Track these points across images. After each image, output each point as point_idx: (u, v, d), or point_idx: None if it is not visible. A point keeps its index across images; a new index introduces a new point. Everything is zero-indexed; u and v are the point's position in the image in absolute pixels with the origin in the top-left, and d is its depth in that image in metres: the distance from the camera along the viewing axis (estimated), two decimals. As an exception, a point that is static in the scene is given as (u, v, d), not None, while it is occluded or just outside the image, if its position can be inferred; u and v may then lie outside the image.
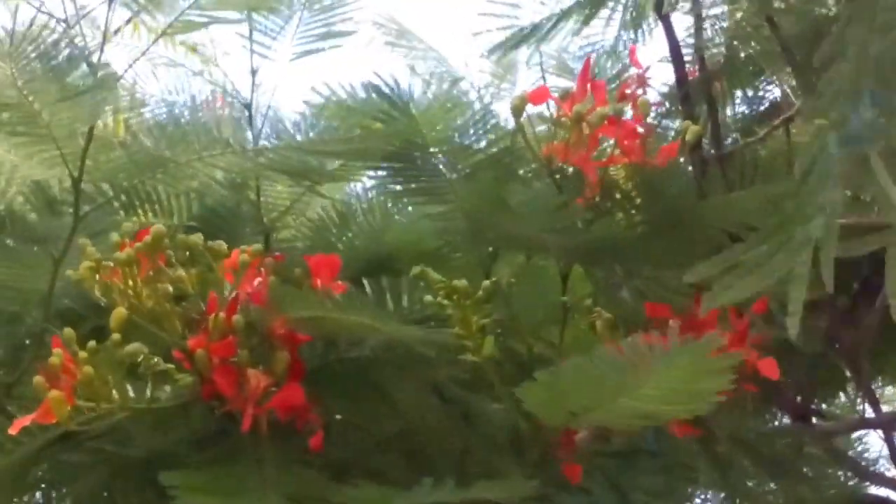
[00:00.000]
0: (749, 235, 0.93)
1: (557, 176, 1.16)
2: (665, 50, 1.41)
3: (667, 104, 1.50)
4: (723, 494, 1.44)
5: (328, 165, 1.28)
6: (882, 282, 0.85)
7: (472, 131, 1.25)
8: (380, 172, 1.27)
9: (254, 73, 1.37)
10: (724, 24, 1.46)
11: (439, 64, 1.71)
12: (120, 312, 0.95)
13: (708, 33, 1.48)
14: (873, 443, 1.69)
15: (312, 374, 1.01)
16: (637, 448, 1.18)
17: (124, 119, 1.43)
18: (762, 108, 1.64)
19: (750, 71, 1.58)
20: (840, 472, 1.53)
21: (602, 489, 1.12)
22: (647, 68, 1.37)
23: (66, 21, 1.15)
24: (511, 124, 1.18)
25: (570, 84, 1.32)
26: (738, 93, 1.62)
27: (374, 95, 1.23)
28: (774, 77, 1.57)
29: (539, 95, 1.15)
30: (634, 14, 1.51)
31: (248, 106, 1.37)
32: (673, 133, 1.42)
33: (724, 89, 1.57)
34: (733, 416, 1.29)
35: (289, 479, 0.95)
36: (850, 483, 1.53)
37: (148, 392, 0.99)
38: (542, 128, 1.19)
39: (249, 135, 1.36)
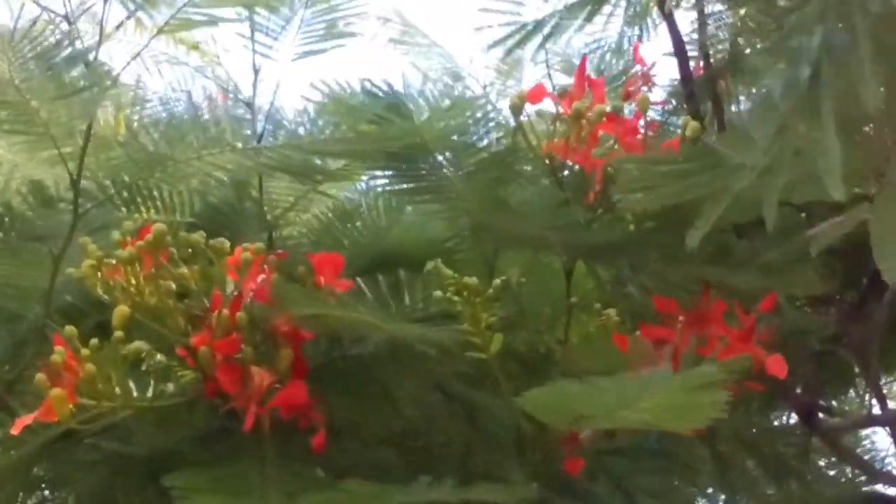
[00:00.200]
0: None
1: (559, 173, 1.16)
2: (670, 46, 1.41)
3: (673, 102, 1.49)
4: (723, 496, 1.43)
5: (331, 165, 1.28)
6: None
7: (473, 129, 1.24)
8: (382, 172, 1.27)
9: (256, 71, 1.37)
10: (729, 21, 1.45)
11: (444, 60, 1.71)
12: (122, 310, 0.95)
13: (711, 30, 1.47)
14: (881, 440, 1.68)
15: (315, 372, 1.01)
16: (640, 447, 1.17)
17: (125, 117, 1.42)
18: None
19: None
20: (848, 470, 1.53)
21: (605, 490, 1.12)
22: (652, 65, 1.37)
23: (67, 17, 1.15)
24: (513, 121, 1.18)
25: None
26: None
27: (371, 97, 1.22)
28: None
29: (537, 93, 1.15)
30: (638, 9, 1.51)
31: (250, 105, 1.36)
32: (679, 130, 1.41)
33: (729, 87, 1.56)
34: (738, 413, 1.28)
35: (291, 479, 0.95)
36: (858, 481, 1.53)
37: (150, 390, 0.98)
38: (543, 126, 1.19)
39: (252, 133, 1.35)
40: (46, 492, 1.20)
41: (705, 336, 1.06)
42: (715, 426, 1.07)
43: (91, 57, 1.16)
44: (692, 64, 1.44)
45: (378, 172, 1.27)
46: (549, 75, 1.60)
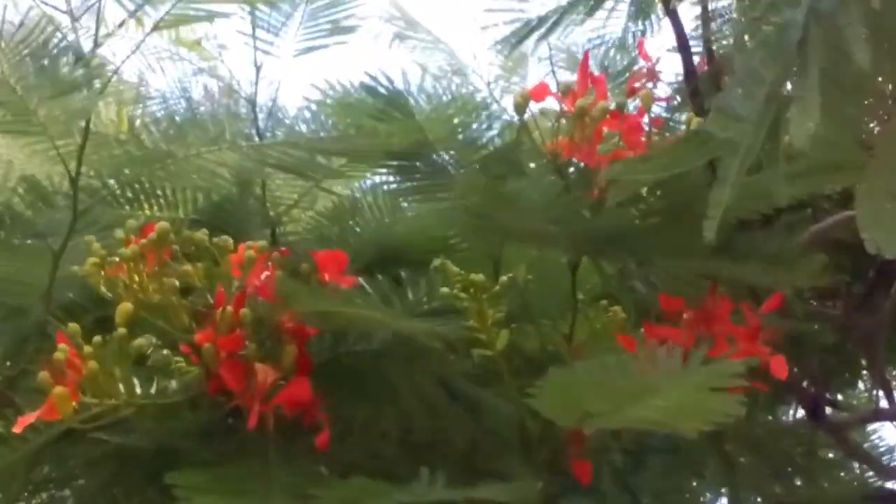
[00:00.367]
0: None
1: (564, 171, 1.15)
2: (674, 41, 1.40)
3: (678, 98, 1.49)
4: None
5: (334, 162, 1.27)
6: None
7: (475, 126, 1.24)
8: (385, 170, 1.26)
9: (257, 68, 1.36)
10: (733, 16, 1.45)
11: (448, 57, 1.70)
12: (126, 307, 0.94)
13: (715, 25, 1.47)
14: (889, 435, 1.67)
15: (320, 368, 1.00)
16: (646, 445, 1.17)
17: (127, 114, 1.42)
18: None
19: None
20: (855, 466, 1.52)
21: (611, 488, 1.11)
22: (656, 61, 1.36)
23: (71, 14, 1.14)
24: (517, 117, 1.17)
25: (579, 78, 1.30)
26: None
27: (372, 93, 1.22)
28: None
29: (540, 91, 1.15)
30: (642, 5, 1.50)
31: (251, 102, 1.36)
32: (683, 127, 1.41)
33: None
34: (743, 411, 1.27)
35: (295, 478, 0.94)
36: (866, 476, 1.52)
37: (153, 387, 0.98)
38: (547, 123, 1.18)
39: (253, 131, 1.35)
40: (46, 493, 1.19)
41: (711, 335, 1.06)
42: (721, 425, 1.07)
43: (89, 54, 1.16)
44: (696, 59, 1.43)
45: (381, 170, 1.26)
46: (553, 72, 1.59)
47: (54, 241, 1.10)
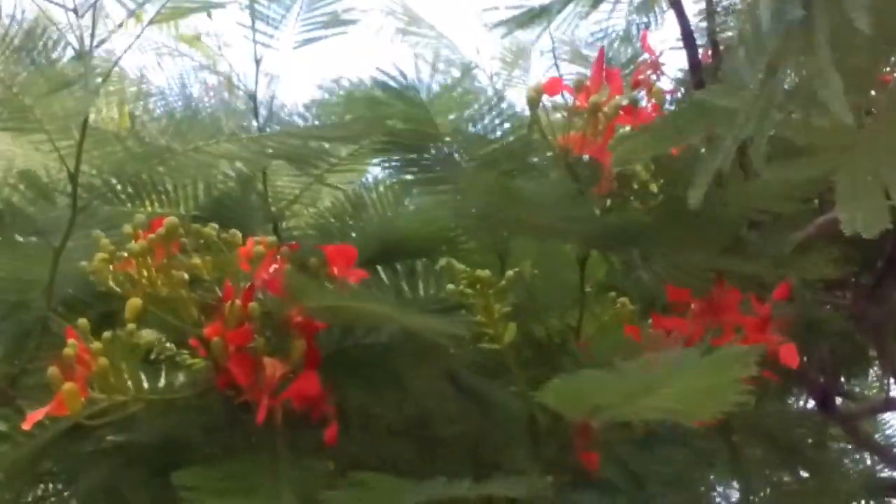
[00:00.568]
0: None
1: (575, 166, 1.15)
2: (678, 34, 1.40)
3: (682, 91, 1.48)
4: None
5: (341, 152, 1.26)
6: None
7: (485, 119, 1.23)
8: (391, 161, 1.26)
9: (257, 62, 1.36)
10: (737, 7, 1.44)
11: (450, 51, 1.69)
12: (135, 302, 0.94)
13: (720, 17, 1.46)
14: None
15: (328, 360, 1.00)
16: (654, 436, 1.16)
17: (128, 110, 1.41)
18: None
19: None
20: (866, 456, 1.52)
21: (619, 479, 1.11)
22: (661, 53, 1.36)
23: (76, 11, 1.13)
24: (524, 112, 1.17)
25: (583, 70, 1.30)
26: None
27: (383, 88, 1.21)
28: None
29: (553, 86, 1.14)
30: (644, -3, 1.50)
31: (252, 96, 1.35)
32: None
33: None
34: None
35: (302, 476, 0.94)
36: (876, 468, 1.52)
37: (162, 381, 0.97)
38: (557, 116, 1.18)
39: (255, 124, 1.34)
40: (49, 486, 1.19)
41: (719, 325, 1.06)
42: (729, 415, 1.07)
43: (87, 51, 1.15)
44: (700, 52, 1.43)
45: (385, 161, 1.26)
46: (557, 65, 1.59)
47: (54, 237, 1.10)
